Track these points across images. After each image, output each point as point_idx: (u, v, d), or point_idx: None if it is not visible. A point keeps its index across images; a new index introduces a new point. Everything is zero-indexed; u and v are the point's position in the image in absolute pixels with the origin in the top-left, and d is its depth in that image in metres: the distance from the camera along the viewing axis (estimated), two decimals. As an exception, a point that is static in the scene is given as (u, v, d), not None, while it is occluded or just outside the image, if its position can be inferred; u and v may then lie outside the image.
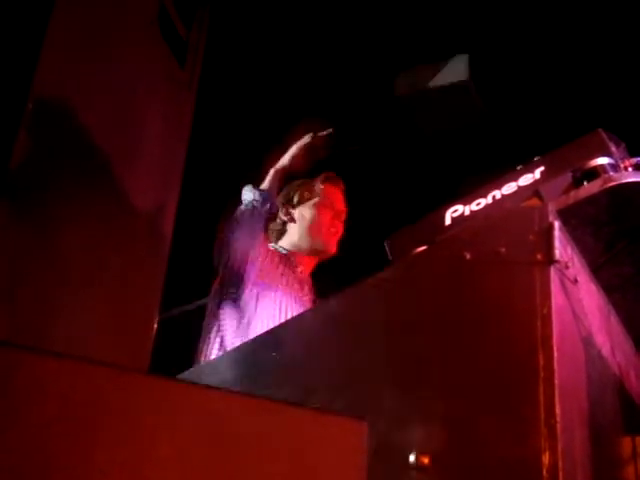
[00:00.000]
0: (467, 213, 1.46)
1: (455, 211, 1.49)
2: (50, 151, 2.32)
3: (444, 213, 1.50)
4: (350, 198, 2.79)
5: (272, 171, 2.71)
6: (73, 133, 2.43)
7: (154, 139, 2.95)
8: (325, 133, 2.74)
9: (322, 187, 2.71)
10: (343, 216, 2.69)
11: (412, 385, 1.12)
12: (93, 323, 2.47)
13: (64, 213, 2.37)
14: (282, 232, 2.70)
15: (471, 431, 1.03)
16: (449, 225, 1.48)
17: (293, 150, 2.72)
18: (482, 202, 1.45)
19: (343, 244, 2.71)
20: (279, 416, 0.81)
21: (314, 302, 2.60)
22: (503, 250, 1.12)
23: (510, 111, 3.84)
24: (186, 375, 1.69)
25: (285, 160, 2.71)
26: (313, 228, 2.64)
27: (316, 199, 2.68)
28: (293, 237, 2.66)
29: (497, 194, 1.43)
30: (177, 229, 3.02)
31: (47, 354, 0.73)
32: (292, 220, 2.68)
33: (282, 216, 2.69)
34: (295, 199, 2.70)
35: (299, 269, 2.61)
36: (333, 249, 2.64)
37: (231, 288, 2.48)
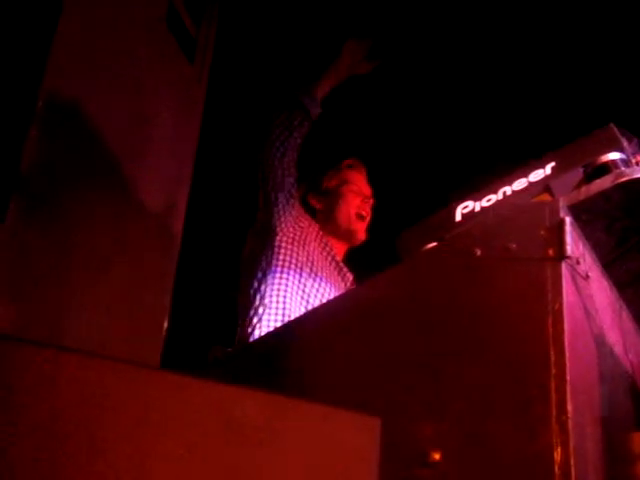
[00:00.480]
0: (477, 209, 1.46)
1: (465, 207, 1.48)
2: (60, 150, 2.33)
3: (454, 209, 1.49)
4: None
5: (324, 75, 2.57)
6: (83, 131, 2.44)
7: (164, 137, 2.96)
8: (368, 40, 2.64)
9: (347, 173, 2.67)
10: (371, 201, 2.65)
11: (423, 381, 1.11)
12: (104, 321, 2.48)
13: (74, 212, 2.38)
14: (313, 219, 2.61)
15: (482, 427, 1.02)
16: (459, 221, 1.47)
17: (344, 52, 2.59)
18: (492, 198, 1.44)
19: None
20: (291, 412, 0.81)
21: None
22: (514, 246, 1.12)
23: (521, 106, 3.82)
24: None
25: (339, 62, 2.58)
26: (343, 212, 2.59)
27: (344, 185, 2.63)
28: (323, 223, 2.59)
29: (507, 190, 1.42)
30: (187, 227, 3.02)
31: (57, 349, 0.73)
32: (321, 207, 2.62)
33: (311, 203, 2.63)
34: (322, 186, 2.65)
35: (331, 251, 2.56)
36: (363, 235, 2.61)
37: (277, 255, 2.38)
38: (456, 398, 1.06)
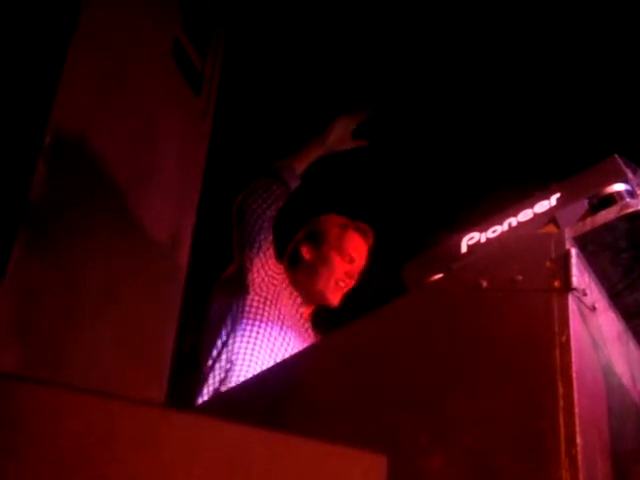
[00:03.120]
0: (483, 240, 1.46)
1: (471, 238, 1.48)
2: (68, 183, 2.35)
3: (460, 240, 1.49)
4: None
5: (305, 148, 2.49)
6: (90, 165, 2.46)
7: (170, 169, 2.97)
8: (367, 111, 2.56)
9: (352, 237, 2.57)
10: (359, 273, 2.56)
11: (429, 415, 1.11)
12: (109, 354, 2.48)
13: (80, 244, 2.38)
14: (295, 265, 2.58)
15: (490, 462, 1.01)
16: (465, 253, 1.47)
17: (334, 126, 2.50)
18: (498, 229, 1.44)
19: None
20: (296, 450, 0.80)
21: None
22: (520, 278, 1.12)
23: (526, 138, 3.84)
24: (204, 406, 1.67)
25: (325, 136, 2.49)
26: (327, 274, 2.51)
27: (340, 249, 2.53)
28: (302, 276, 2.54)
29: (513, 221, 1.42)
30: (194, 256, 3.02)
31: (61, 388, 0.73)
32: (310, 259, 2.55)
33: (302, 253, 2.56)
34: (320, 238, 2.57)
35: (299, 301, 2.52)
36: (336, 302, 2.52)
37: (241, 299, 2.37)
38: (463, 432, 1.05)
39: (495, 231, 1.45)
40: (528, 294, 1.10)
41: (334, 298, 2.52)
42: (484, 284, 1.15)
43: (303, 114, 4.01)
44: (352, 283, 2.54)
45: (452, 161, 4.07)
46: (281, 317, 2.40)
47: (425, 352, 1.18)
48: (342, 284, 2.52)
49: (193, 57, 3.19)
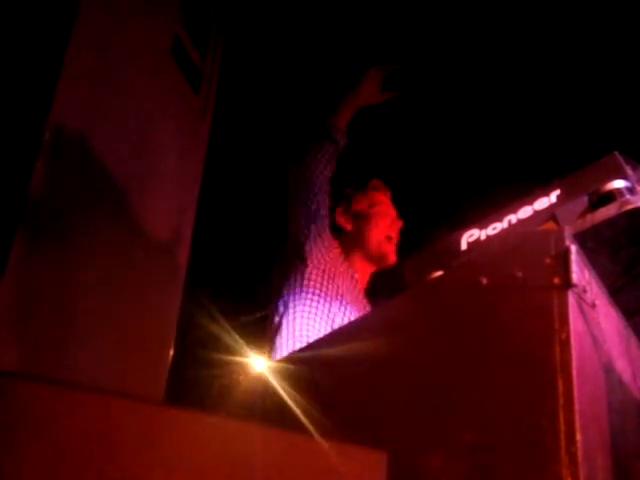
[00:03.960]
0: (483, 237, 1.46)
1: (471, 235, 1.48)
2: (67, 181, 2.34)
3: (460, 237, 1.49)
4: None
5: (342, 104, 2.57)
6: (89, 163, 2.45)
7: (170, 167, 2.97)
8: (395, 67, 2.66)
9: (373, 195, 2.66)
10: (399, 222, 2.64)
11: (428, 413, 1.11)
12: (109, 353, 2.48)
13: (80, 243, 2.38)
14: (342, 243, 2.59)
15: (490, 459, 1.01)
16: (465, 250, 1.47)
17: (366, 78, 2.61)
18: (498, 226, 1.44)
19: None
20: (297, 447, 0.80)
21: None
22: (520, 274, 1.11)
23: (526, 134, 3.83)
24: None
25: (359, 88, 2.59)
26: (374, 237, 2.57)
27: (372, 207, 2.63)
28: (352, 245, 2.57)
29: (513, 218, 1.42)
30: (193, 258, 3.02)
31: (61, 385, 0.73)
32: (350, 229, 2.60)
33: (339, 224, 2.60)
34: (351, 207, 2.64)
35: (356, 276, 2.52)
36: (393, 257, 2.58)
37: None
38: (463, 429, 1.05)
39: (495, 228, 1.44)
40: (528, 291, 1.10)
41: (390, 254, 2.58)
42: (484, 281, 1.15)
43: (302, 112, 4.01)
44: (398, 234, 2.61)
45: (452, 158, 4.07)
46: (340, 292, 2.39)
47: (424, 349, 1.18)
48: (392, 234, 2.59)
49: (193, 55, 3.19)
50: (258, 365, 2.29)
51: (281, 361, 2.06)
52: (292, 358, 1.73)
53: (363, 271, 2.58)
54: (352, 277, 2.49)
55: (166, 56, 2.99)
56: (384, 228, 2.59)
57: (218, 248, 3.97)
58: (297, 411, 1.23)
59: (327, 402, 1.24)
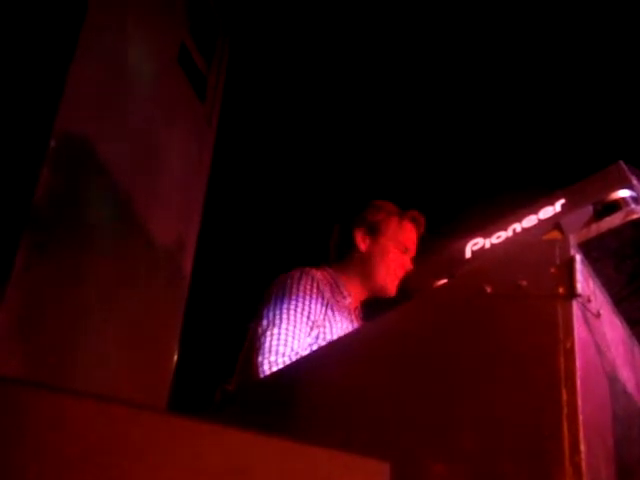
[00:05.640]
0: (487, 246, 1.46)
1: (475, 244, 1.48)
2: (72, 188, 2.35)
3: (464, 246, 1.49)
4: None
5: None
6: (95, 170, 2.46)
7: (175, 173, 2.98)
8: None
9: (407, 226, 2.52)
10: (411, 262, 2.51)
11: (433, 420, 1.10)
12: (113, 359, 2.48)
13: (85, 249, 2.38)
14: (345, 253, 2.51)
15: (493, 468, 1.01)
16: (469, 258, 1.47)
17: None
18: (502, 235, 1.44)
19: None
20: (300, 456, 0.80)
21: None
22: (524, 283, 1.11)
23: (530, 144, 3.83)
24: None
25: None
26: (385, 267, 2.46)
27: (397, 238, 2.49)
28: (358, 266, 2.47)
29: (517, 227, 1.42)
30: (197, 265, 3.02)
31: (64, 392, 0.73)
32: (366, 249, 2.48)
33: (356, 238, 2.48)
34: (377, 228, 2.50)
35: (347, 300, 2.43)
36: (394, 292, 2.45)
37: None
38: (467, 438, 1.04)
39: (499, 237, 1.44)
40: (532, 300, 1.09)
41: (393, 288, 2.46)
42: (488, 290, 1.15)
43: (307, 120, 4.02)
44: (404, 273, 2.47)
45: (457, 167, 4.07)
46: (339, 331, 2.31)
47: (428, 358, 1.17)
48: (399, 274, 2.46)
49: (198, 63, 3.20)
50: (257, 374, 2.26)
51: (280, 369, 2.05)
52: (290, 368, 1.73)
53: (358, 291, 2.49)
54: (344, 299, 2.43)
55: (172, 63, 3.00)
56: (401, 263, 2.47)
57: (223, 255, 3.97)
58: (298, 420, 1.23)
59: (329, 409, 1.24)
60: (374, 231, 2.50)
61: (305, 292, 2.29)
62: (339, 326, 2.31)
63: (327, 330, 2.27)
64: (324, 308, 2.30)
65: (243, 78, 3.73)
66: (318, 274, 2.39)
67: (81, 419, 0.73)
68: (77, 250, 2.36)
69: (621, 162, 1.34)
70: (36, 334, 2.16)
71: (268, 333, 2.20)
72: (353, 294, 2.48)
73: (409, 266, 2.48)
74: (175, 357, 2.91)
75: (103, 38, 2.51)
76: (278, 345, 2.17)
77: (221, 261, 3.96)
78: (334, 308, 2.34)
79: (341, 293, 2.44)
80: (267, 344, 2.18)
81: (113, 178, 2.56)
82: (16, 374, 2.01)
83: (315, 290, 2.31)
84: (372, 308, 2.55)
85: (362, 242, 2.49)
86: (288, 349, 2.18)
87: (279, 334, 2.20)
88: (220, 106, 3.38)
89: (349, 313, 2.42)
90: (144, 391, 2.61)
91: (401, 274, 2.46)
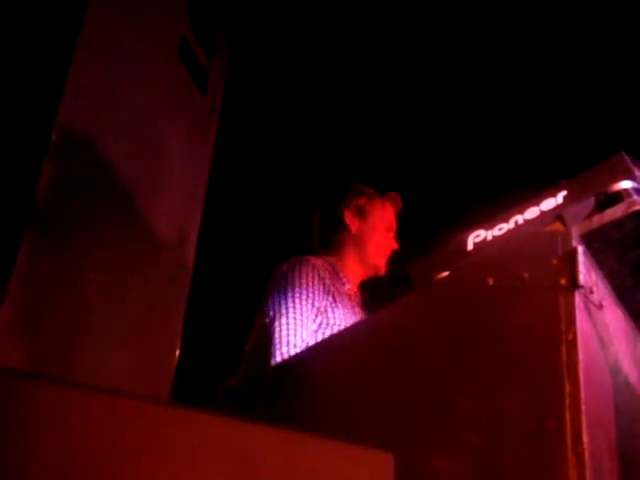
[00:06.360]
0: (489, 238, 1.45)
1: (477, 236, 1.48)
2: (74, 182, 2.35)
3: (466, 238, 1.49)
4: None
5: None
6: (96, 164, 2.46)
7: (177, 167, 2.98)
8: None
9: (389, 206, 2.64)
10: (396, 241, 2.63)
11: (435, 413, 1.11)
12: (116, 353, 2.48)
13: (87, 244, 2.39)
14: (337, 236, 2.58)
15: (497, 460, 1.01)
16: (471, 250, 1.47)
17: None
18: (504, 227, 1.44)
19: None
20: (304, 448, 0.80)
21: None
22: (526, 275, 1.11)
23: (533, 136, 3.83)
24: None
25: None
26: (376, 245, 2.55)
27: (382, 218, 2.60)
28: (351, 248, 2.54)
29: (519, 219, 1.42)
30: (199, 258, 3.02)
31: (71, 385, 0.73)
32: (355, 230, 2.56)
33: (346, 220, 2.56)
34: (365, 210, 2.60)
35: (346, 287, 2.47)
36: (385, 270, 2.57)
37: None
38: (470, 431, 1.05)
39: (501, 229, 1.44)
40: (535, 292, 1.09)
41: (383, 266, 2.57)
42: (490, 282, 1.15)
43: (308, 113, 4.01)
44: (391, 251, 2.60)
45: (458, 158, 4.06)
46: (342, 321, 2.32)
47: (431, 350, 1.18)
48: (387, 252, 2.58)
49: (200, 56, 3.19)
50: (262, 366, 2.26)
51: (283, 362, 2.05)
52: (294, 360, 1.73)
53: (354, 274, 2.53)
54: (344, 286, 2.46)
55: (173, 58, 3.00)
56: (388, 242, 2.58)
57: (225, 249, 3.97)
58: (302, 411, 1.23)
59: (332, 403, 1.24)
60: (362, 212, 2.59)
61: (308, 280, 2.31)
62: (341, 312, 2.32)
63: (330, 316, 2.28)
64: (326, 295, 2.32)
65: (244, 72, 3.73)
66: (318, 262, 2.41)
67: (85, 411, 0.73)
68: (79, 244, 2.36)
69: (623, 153, 1.34)
70: (39, 328, 2.17)
71: (277, 324, 2.21)
72: (351, 278, 2.51)
73: (395, 245, 2.60)
74: (177, 352, 2.92)
75: (104, 33, 2.51)
76: (289, 335, 2.18)
77: (223, 255, 3.96)
78: (335, 295, 2.35)
79: (340, 280, 2.46)
80: (277, 335, 2.19)
81: (115, 172, 2.55)
82: (19, 367, 2.01)
83: (317, 277, 2.34)
84: (369, 292, 2.60)
85: (352, 224, 2.56)
86: (299, 339, 2.19)
87: (287, 324, 2.21)
88: (221, 100, 3.38)
89: (349, 299, 2.44)
90: (146, 385, 2.61)
91: (389, 252, 2.58)
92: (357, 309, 2.45)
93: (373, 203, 2.61)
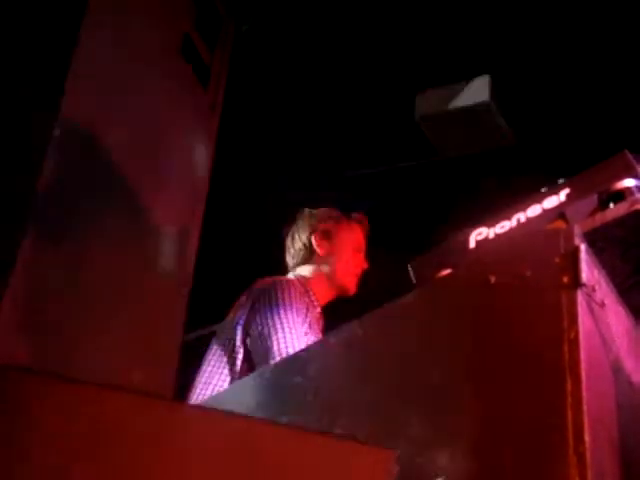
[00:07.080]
0: (491, 236, 1.45)
1: (479, 234, 1.48)
2: (76, 178, 2.35)
3: (468, 236, 1.49)
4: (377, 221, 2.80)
5: None
6: (98, 160, 2.46)
7: (178, 163, 2.97)
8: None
9: (356, 228, 2.71)
10: (366, 262, 2.70)
11: (436, 411, 1.11)
12: (117, 349, 2.48)
13: (89, 240, 2.38)
14: (307, 260, 2.66)
15: (498, 458, 1.01)
16: (473, 248, 1.47)
17: None
18: (506, 225, 1.44)
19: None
20: (305, 444, 0.80)
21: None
22: (528, 273, 1.11)
23: (535, 134, 3.82)
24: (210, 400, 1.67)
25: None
26: (344, 266, 2.63)
27: (350, 240, 2.67)
28: (320, 270, 2.62)
29: (522, 217, 1.42)
30: (201, 252, 3.01)
31: (72, 382, 0.73)
32: (323, 253, 2.64)
33: (314, 244, 2.65)
34: (331, 232, 2.68)
35: (317, 310, 2.55)
36: (354, 290, 2.65)
37: None
38: (471, 428, 1.05)
39: (503, 227, 1.44)
40: (537, 290, 1.09)
41: (353, 286, 2.65)
42: (492, 280, 1.14)
43: (311, 107, 4.01)
44: (361, 271, 2.67)
45: (460, 155, 4.06)
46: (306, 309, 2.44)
47: (433, 348, 1.18)
48: (357, 272, 2.65)
49: (202, 51, 3.19)
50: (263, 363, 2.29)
51: (283, 361, 2.07)
52: (293, 359, 1.73)
53: (323, 295, 2.61)
54: (315, 307, 2.53)
55: (175, 52, 2.99)
56: (358, 262, 2.65)
57: (228, 243, 3.97)
58: (302, 410, 1.24)
59: (333, 400, 1.24)
60: (329, 235, 2.68)
61: (296, 298, 2.42)
62: (316, 335, 2.40)
63: (310, 338, 2.35)
64: (309, 315, 2.40)
65: (247, 65, 3.72)
66: (297, 283, 2.49)
67: (89, 408, 0.73)
68: (81, 240, 2.36)
69: (626, 151, 1.34)
70: (41, 324, 2.17)
71: (274, 338, 2.29)
72: (320, 299, 2.60)
73: (364, 265, 2.68)
74: (179, 347, 2.91)
75: (105, 27, 2.50)
76: (287, 348, 2.26)
77: (226, 249, 3.96)
78: (311, 317, 2.42)
79: (312, 303, 2.55)
80: (275, 348, 2.27)
81: (117, 167, 2.55)
82: (22, 364, 2.01)
83: (301, 297, 2.45)
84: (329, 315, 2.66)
85: (320, 247, 2.65)
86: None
87: (285, 338, 2.29)
88: (223, 94, 3.37)
89: (318, 324, 2.51)
90: (149, 381, 2.61)
91: (359, 272, 2.66)
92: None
93: (339, 226, 2.70)
